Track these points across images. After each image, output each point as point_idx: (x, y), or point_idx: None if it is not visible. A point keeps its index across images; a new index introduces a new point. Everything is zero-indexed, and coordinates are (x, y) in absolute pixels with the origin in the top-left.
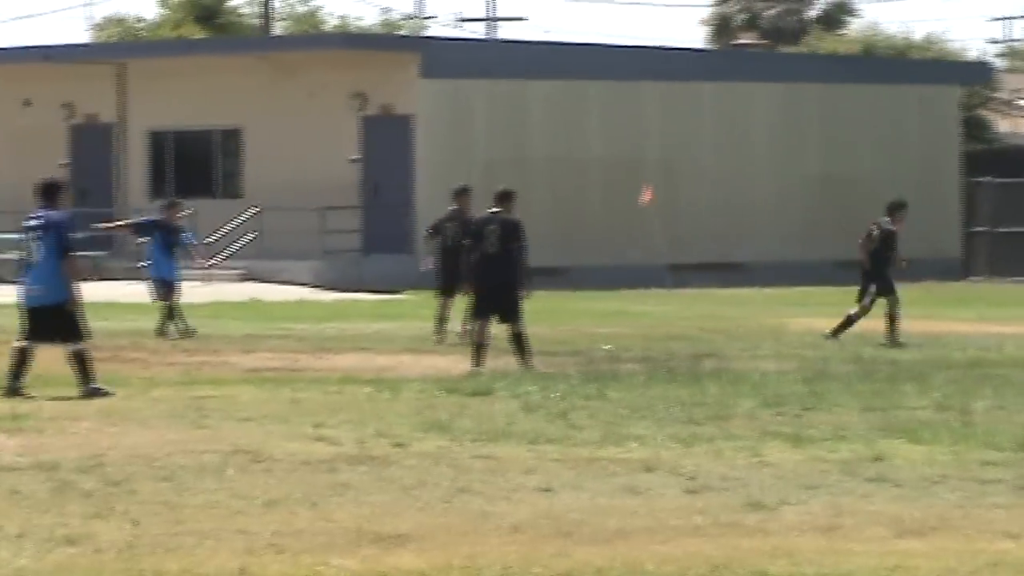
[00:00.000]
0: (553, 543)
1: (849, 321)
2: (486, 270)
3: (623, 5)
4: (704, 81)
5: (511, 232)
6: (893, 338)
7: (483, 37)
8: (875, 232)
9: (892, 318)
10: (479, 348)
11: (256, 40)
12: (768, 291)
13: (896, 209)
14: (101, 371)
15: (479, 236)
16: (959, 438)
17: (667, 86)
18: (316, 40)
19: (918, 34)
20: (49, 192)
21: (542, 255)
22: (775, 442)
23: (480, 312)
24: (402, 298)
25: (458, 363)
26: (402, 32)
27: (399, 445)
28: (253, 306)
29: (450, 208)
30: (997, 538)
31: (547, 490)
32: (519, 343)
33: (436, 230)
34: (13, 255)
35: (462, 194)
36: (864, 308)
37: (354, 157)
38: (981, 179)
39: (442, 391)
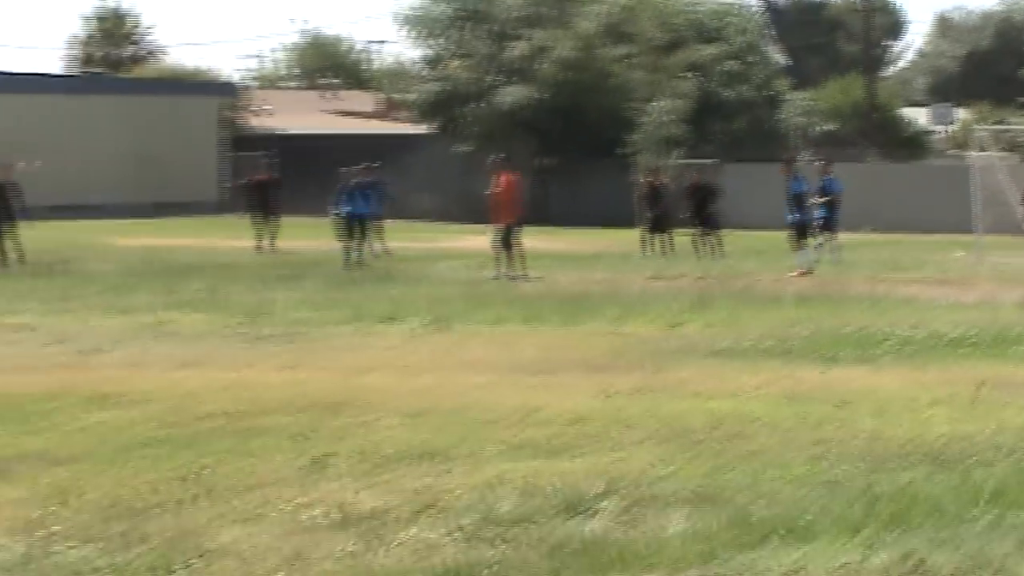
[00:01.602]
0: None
1: None
2: None
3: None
4: (59, 94)
5: None
6: None
7: None
8: None
9: None
10: None
11: None
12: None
13: None
14: None
15: None
16: (214, 310)
17: (36, 97)
18: None
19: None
20: None
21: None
22: (104, 313)
23: None
24: None
25: None
26: None
27: None
28: None
29: None
30: (237, 367)
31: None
32: None
33: None
34: None
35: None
36: None
37: None
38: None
39: None
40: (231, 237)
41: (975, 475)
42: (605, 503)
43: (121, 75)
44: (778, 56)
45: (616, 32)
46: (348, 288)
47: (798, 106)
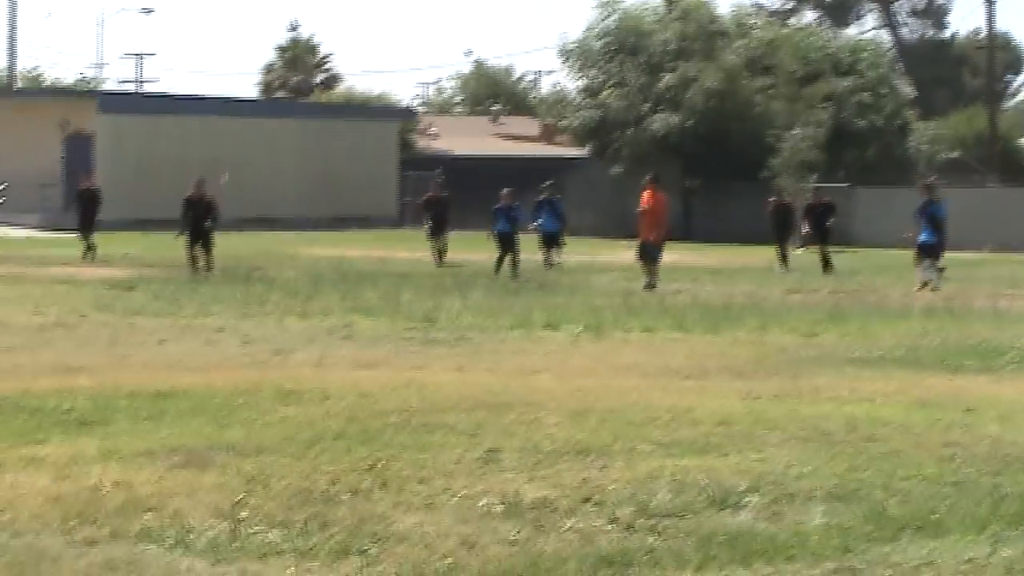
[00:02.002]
0: (165, 372)
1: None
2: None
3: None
4: (254, 117)
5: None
6: None
7: (135, 92)
8: None
9: None
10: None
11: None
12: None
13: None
14: None
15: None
16: (390, 315)
17: (234, 119)
18: (40, 93)
19: (377, 91)
20: None
21: (171, 212)
22: (290, 316)
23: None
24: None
25: (118, 272)
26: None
27: (82, 316)
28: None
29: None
30: (411, 368)
31: (163, 341)
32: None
33: None
34: None
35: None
36: None
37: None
38: (408, 173)
39: (108, 287)
40: (406, 249)
41: None
42: (750, 498)
43: (306, 100)
44: (907, 88)
45: (758, 65)
46: (510, 297)
47: (925, 135)
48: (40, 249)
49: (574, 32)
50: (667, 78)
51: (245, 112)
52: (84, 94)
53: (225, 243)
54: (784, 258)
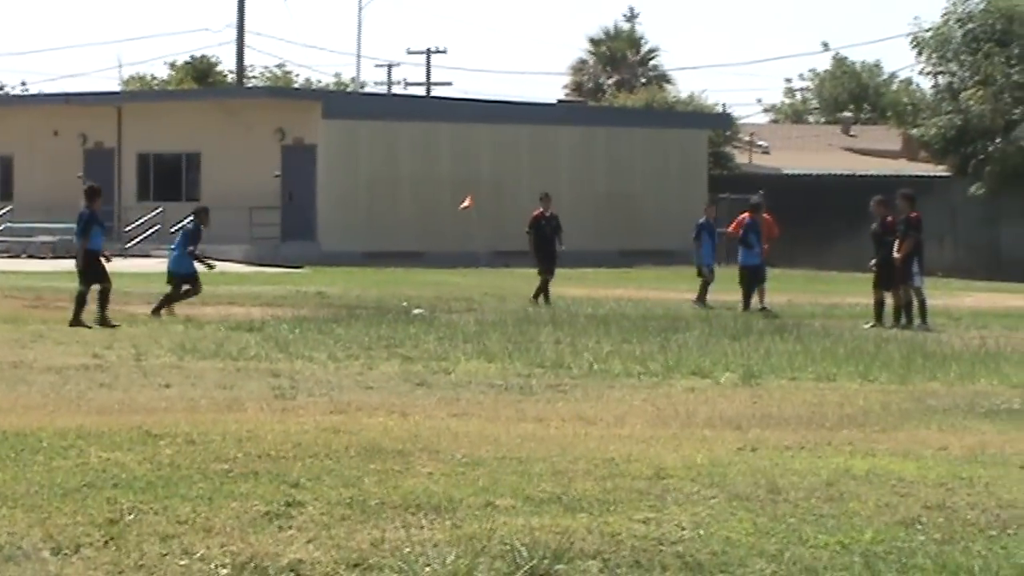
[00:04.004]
0: (232, 412)
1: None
2: None
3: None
4: (522, 124)
5: None
6: None
7: (368, 92)
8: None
9: None
10: None
11: (211, 91)
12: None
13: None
14: None
15: None
16: (512, 358)
17: (495, 127)
18: (250, 91)
19: (684, 93)
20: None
21: (409, 243)
22: (391, 360)
23: None
24: (303, 271)
25: (268, 312)
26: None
27: (138, 358)
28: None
29: None
30: (519, 420)
31: (167, 385)
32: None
33: None
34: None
35: None
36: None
37: (277, 173)
38: (723, 195)
39: (228, 328)
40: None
41: None
42: (582, 564)
43: (600, 104)
44: None
45: None
46: (717, 341)
47: None
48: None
49: (931, 16)
50: None
51: (510, 118)
52: (306, 94)
53: (459, 279)
54: None
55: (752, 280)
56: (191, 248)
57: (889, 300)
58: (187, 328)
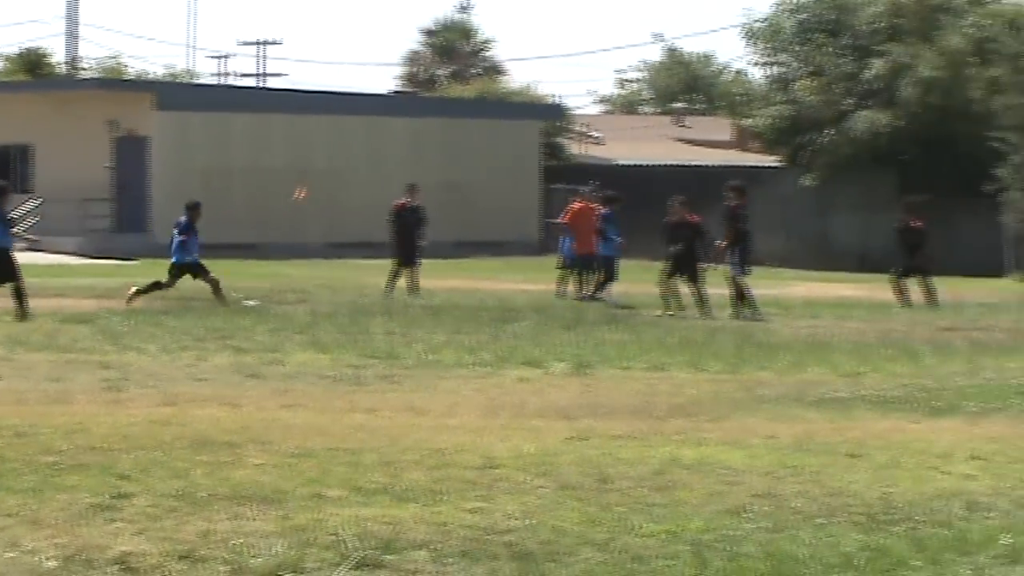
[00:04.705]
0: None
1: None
2: None
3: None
4: (356, 115)
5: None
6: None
7: (201, 83)
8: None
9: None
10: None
11: (42, 82)
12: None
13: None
14: None
15: None
16: (345, 349)
17: (329, 118)
18: (82, 83)
19: (519, 85)
20: None
21: (243, 234)
22: (223, 352)
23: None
24: (136, 263)
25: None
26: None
27: None
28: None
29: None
30: (350, 411)
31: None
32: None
33: None
34: None
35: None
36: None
37: (107, 164)
38: (555, 185)
39: (59, 321)
40: (529, 280)
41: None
42: (409, 554)
43: (431, 95)
44: None
45: (989, 50)
46: (550, 332)
47: None
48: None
49: (762, 7)
50: (874, 65)
51: (343, 109)
52: (138, 85)
53: (293, 271)
54: (930, 291)
55: (610, 270)
56: (183, 239)
57: (686, 290)
58: (14, 321)
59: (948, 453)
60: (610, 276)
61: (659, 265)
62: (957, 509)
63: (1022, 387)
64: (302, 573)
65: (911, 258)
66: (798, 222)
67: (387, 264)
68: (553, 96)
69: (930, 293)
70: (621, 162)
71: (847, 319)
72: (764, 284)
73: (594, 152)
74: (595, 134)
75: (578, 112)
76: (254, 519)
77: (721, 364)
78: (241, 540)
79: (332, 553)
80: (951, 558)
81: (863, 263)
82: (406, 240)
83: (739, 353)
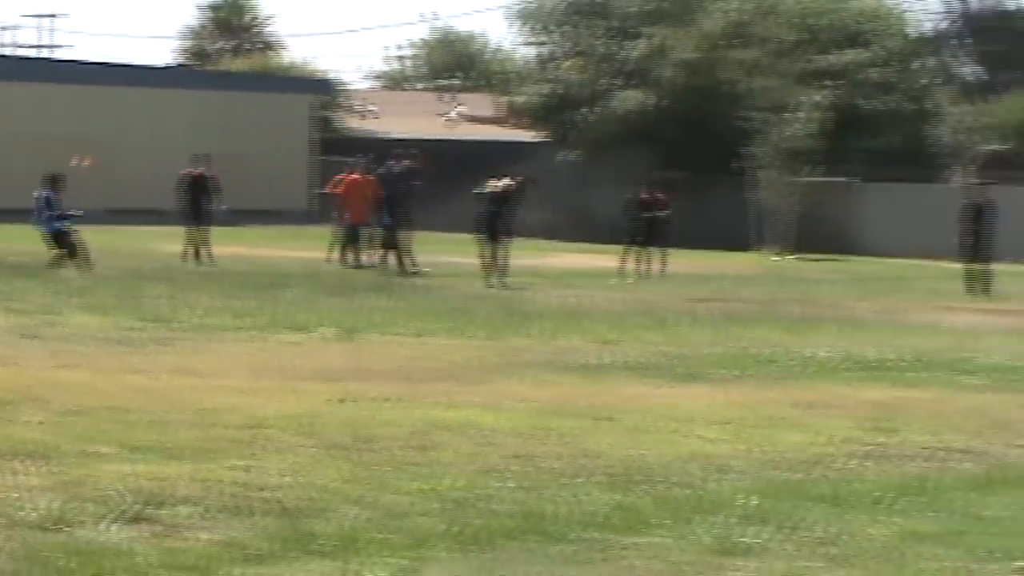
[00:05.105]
0: None
1: None
2: None
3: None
4: (135, 87)
5: None
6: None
7: None
8: None
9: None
10: None
11: None
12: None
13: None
14: None
15: None
16: (122, 312)
17: (109, 89)
18: None
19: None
20: None
21: (22, 200)
22: (1, 313)
23: None
24: None
25: None
26: None
27: None
28: None
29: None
30: (124, 371)
31: None
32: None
33: None
34: None
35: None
36: None
37: None
38: (328, 158)
39: None
40: (302, 248)
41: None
42: (177, 510)
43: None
44: (968, 67)
45: (745, 33)
46: (320, 298)
47: (963, 122)
48: None
49: None
50: (636, 47)
51: (123, 80)
52: None
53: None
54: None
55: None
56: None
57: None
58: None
59: (695, 417)
60: (391, 244)
61: (431, 235)
62: (702, 471)
63: (764, 356)
64: (71, 526)
65: (638, 229)
66: (562, 196)
67: (168, 231)
68: (328, 72)
69: (660, 263)
70: (394, 135)
71: (600, 289)
72: (527, 256)
73: (370, 126)
74: (372, 108)
75: (358, 88)
76: (26, 474)
77: (483, 331)
78: (14, 495)
79: (101, 507)
80: (695, 517)
81: (616, 235)
82: (195, 208)
83: (500, 321)
